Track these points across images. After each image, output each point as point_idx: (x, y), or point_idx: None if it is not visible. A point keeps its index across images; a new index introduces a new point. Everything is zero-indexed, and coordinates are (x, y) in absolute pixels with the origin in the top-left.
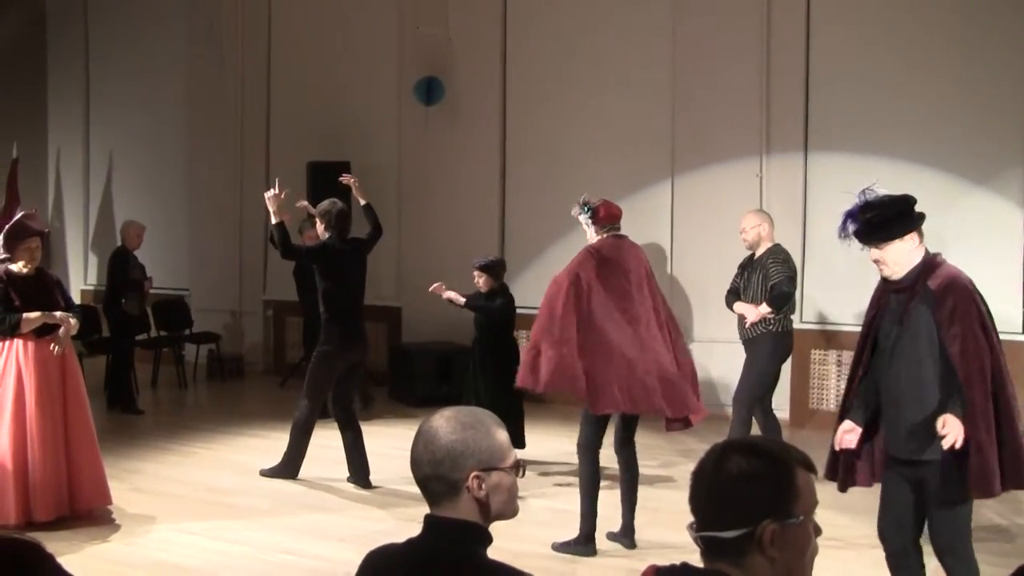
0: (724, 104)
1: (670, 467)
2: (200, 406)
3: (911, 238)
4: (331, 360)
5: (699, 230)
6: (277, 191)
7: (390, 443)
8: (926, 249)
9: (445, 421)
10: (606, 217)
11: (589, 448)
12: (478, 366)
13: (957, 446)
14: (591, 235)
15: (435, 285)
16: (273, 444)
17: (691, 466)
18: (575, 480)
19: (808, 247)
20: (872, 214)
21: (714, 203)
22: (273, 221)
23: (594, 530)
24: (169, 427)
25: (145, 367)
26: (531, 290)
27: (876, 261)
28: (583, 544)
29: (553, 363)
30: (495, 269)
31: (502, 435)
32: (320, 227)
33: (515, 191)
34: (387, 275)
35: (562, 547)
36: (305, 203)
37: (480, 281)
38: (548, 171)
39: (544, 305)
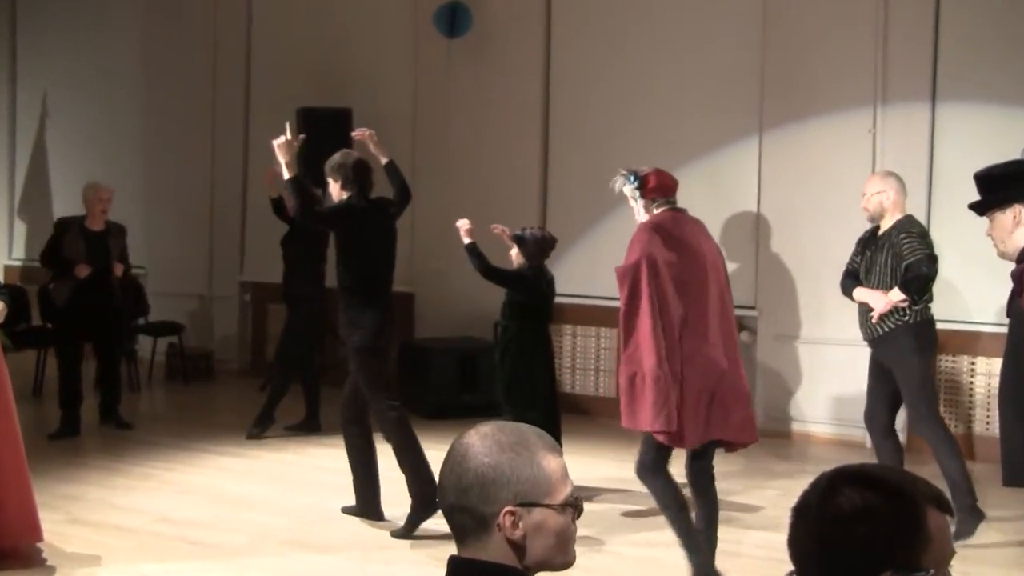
0: (828, 40)
1: (751, 496)
2: (157, 416)
3: (1015, 212)
4: (375, 354)
5: (794, 199)
6: (289, 136)
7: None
8: None
9: (480, 439)
10: (658, 188)
11: (656, 470)
12: (497, 359)
13: None
14: (639, 212)
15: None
16: (251, 464)
17: (774, 496)
18: (628, 510)
19: (934, 221)
20: (978, 176)
21: (813, 166)
22: (285, 176)
23: (710, 563)
24: (118, 442)
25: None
26: (578, 275)
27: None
28: None
29: (663, 395)
30: (528, 244)
31: (553, 463)
32: (335, 186)
33: (561, 149)
34: (397, 253)
35: None
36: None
37: (514, 254)
38: (603, 124)
39: (625, 310)
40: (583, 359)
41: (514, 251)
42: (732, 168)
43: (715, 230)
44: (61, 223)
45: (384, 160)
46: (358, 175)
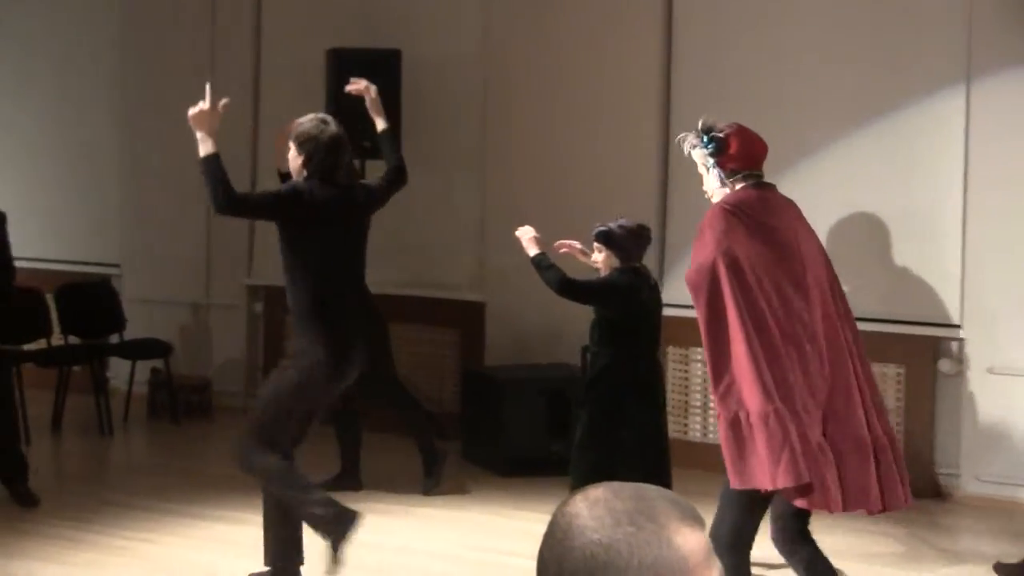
0: None
1: None
2: (135, 466)
3: None
4: (311, 385)
5: (1019, 176)
6: (206, 104)
7: (463, 537)
8: None
9: (588, 508)
10: (740, 155)
11: (737, 547)
12: (581, 399)
13: None
14: (712, 184)
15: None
16: (257, 534)
17: None
18: None
19: None
20: None
21: None
22: (201, 152)
23: None
24: (81, 503)
25: (41, 396)
26: None
27: None
28: None
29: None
30: (619, 239)
31: (691, 539)
32: (296, 159)
33: (689, 107)
34: (459, 251)
35: None
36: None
37: (599, 258)
38: (744, 71)
39: (707, 331)
40: (703, 392)
41: (598, 256)
42: (927, 134)
43: (901, 217)
44: None
45: (381, 126)
46: (329, 155)
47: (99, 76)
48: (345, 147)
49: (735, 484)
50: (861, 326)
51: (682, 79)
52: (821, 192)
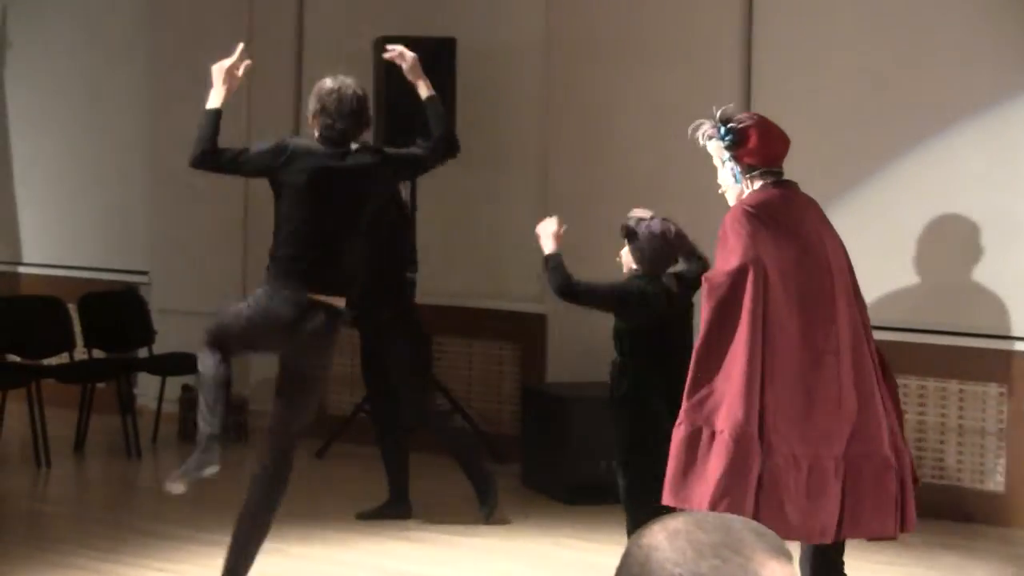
0: None
1: None
2: (163, 492)
3: None
4: (255, 327)
5: None
6: (234, 61)
7: (521, 569)
8: None
9: (668, 539)
10: (760, 150)
11: None
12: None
13: None
14: (727, 179)
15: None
16: (296, 568)
17: None
18: None
19: None
20: None
21: None
22: (208, 103)
23: None
24: (104, 531)
25: (63, 415)
26: None
27: None
28: None
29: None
30: (640, 242)
31: (779, 572)
32: (313, 124)
33: (769, 103)
34: (518, 257)
35: None
36: None
37: (623, 252)
38: (832, 72)
39: (706, 336)
40: None
41: (625, 250)
42: (1000, 135)
43: (1003, 224)
44: None
45: (425, 93)
46: (324, 110)
47: (127, 73)
48: (346, 104)
49: (666, 499)
50: (959, 341)
51: (763, 69)
52: (915, 197)
